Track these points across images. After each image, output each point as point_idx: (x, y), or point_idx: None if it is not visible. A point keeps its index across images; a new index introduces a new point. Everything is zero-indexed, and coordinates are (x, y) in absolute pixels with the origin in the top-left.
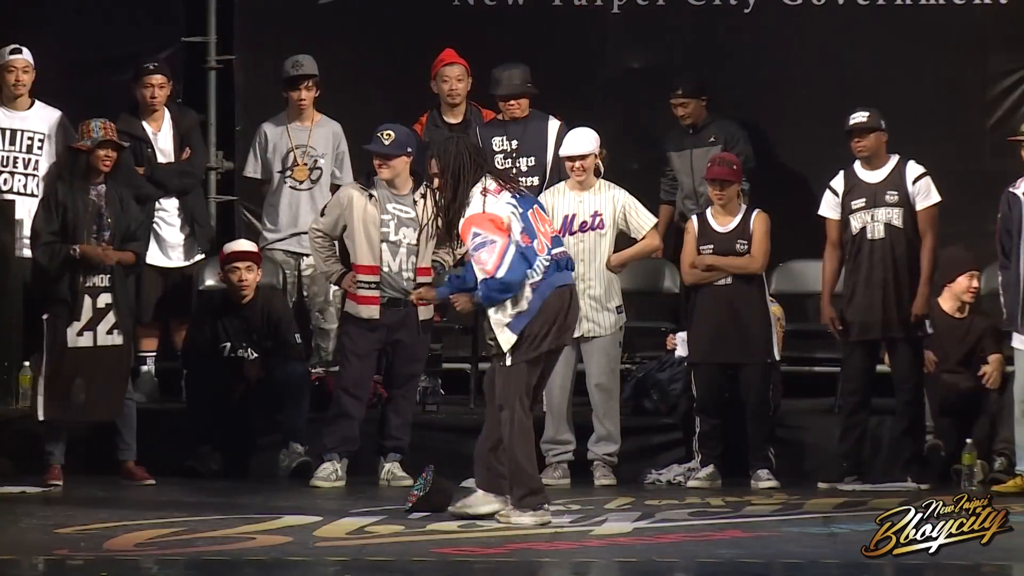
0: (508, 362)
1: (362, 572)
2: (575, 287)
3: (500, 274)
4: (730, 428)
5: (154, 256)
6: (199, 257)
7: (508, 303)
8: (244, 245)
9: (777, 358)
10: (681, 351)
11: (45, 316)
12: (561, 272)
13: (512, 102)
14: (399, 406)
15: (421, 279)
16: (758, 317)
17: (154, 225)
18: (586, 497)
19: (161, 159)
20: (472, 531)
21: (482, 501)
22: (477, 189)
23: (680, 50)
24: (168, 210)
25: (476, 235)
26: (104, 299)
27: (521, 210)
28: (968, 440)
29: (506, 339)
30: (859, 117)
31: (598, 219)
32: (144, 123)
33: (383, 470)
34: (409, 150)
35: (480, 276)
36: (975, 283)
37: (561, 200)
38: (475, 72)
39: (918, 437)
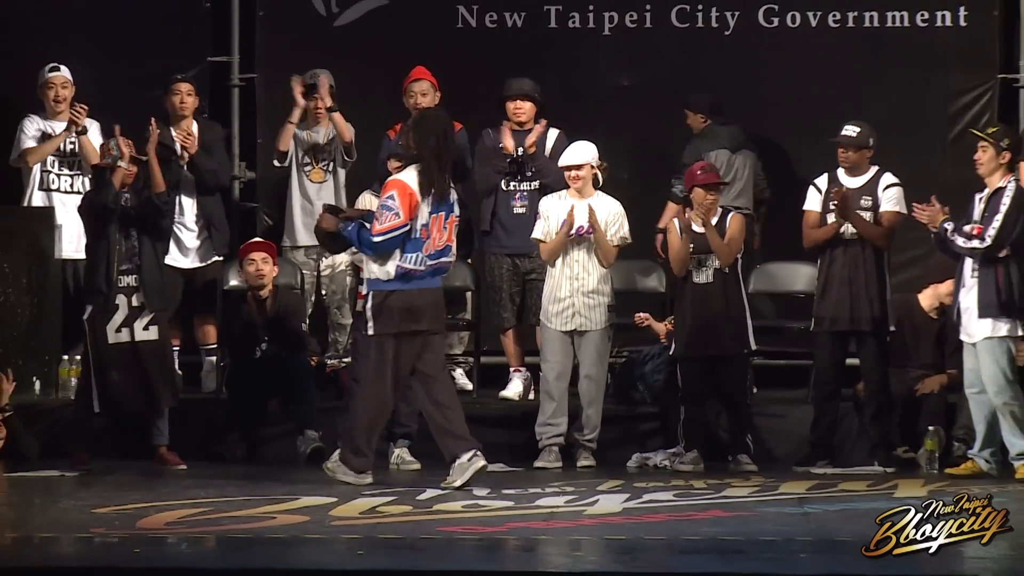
0: (371, 331)
1: (374, 549)
2: (440, 291)
3: (376, 239)
4: (711, 416)
5: (173, 257)
6: (215, 259)
7: (375, 267)
8: (259, 239)
9: (754, 347)
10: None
11: (86, 316)
12: (433, 278)
13: (518, 103)
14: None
15: None
16: (736, 312)
17: (174, 228)
18: (579, 479)
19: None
20: (475, 511)
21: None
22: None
23: (666, 69)
24: (186, 213)
25: (391, 199)
26: (139, 297)
27: (430, 210)
28: (930, 428)
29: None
30: (849, 131)
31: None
32: (173, 132)
33: (393, 455)
34: None
35: (369, 224)
36: None
37: (562, 205)
38: (475, 87)
39: (884, 424)
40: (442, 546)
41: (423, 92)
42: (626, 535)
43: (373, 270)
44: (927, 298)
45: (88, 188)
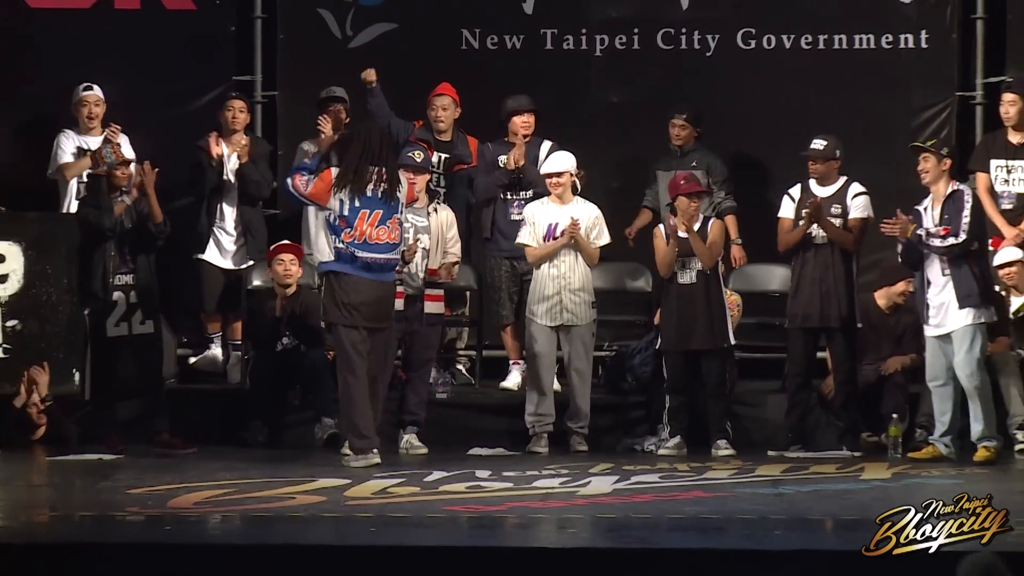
0: (323, 321)
1: (385, 526)
2: (389, 286)
3: (287, 183)
4: (694, 404)
5: (215, 257)
6: (250, 263)
7: (325, 249)
8: (287, 241)
9: (732, 342)
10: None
11: (87, 312)
12: (371, 272)
13: (525, 117)
14: (416, 386)
15: (429, 278)
16: (717, 310)
17: (214, 231)
18: (573, 463)
19: (230, 178)
20: (477, 492)
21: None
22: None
23: (652, 87)
24: (227, 220)
25: (310, 180)
26: (136, 294)
27: (358, 205)
28: (894, 415)
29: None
30: (816, 145)
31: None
32: (224, 145)
33: (402, 440)
34: (431, 167)
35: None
36: (909, 288)
37: (545, 211)
38: (478, 103)
39: (852, 412)
40: (447, 524)
41: (444, 107)
42: (615, 514)
43: (320, 249)
44: (882, 297)
45: (83, 194)
